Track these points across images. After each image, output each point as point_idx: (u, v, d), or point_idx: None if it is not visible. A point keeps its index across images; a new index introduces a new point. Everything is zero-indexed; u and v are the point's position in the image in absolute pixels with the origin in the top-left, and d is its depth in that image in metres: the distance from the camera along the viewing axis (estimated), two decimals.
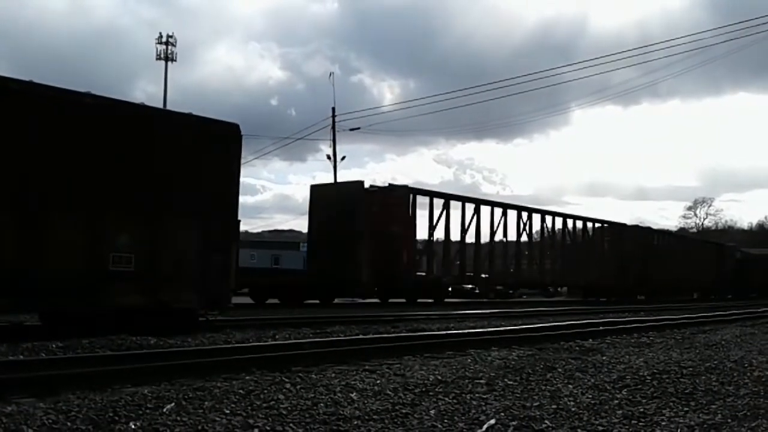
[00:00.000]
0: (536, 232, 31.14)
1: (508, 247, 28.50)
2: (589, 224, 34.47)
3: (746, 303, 32.92)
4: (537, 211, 30.51)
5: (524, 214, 29.26)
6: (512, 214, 28.47)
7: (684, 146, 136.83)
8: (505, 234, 28.02)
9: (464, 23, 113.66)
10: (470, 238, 26.61)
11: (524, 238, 29.65)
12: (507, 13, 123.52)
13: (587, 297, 34.27)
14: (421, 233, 24.81)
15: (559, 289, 37.34)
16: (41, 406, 4.83)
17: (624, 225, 38.02)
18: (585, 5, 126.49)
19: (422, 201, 24.57)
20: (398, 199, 23.53)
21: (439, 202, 25.25)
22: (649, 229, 42.22)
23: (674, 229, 77.54)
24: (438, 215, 25.07)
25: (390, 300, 24.06)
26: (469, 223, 26.30)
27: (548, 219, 31.03)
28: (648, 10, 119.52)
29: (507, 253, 28.57)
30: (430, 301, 24.43)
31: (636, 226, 39.97)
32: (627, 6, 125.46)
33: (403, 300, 23.96)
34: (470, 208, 26.50)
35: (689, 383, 6.90)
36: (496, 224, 27.47)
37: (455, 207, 25.83)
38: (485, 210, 27.21)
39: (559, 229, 31.96)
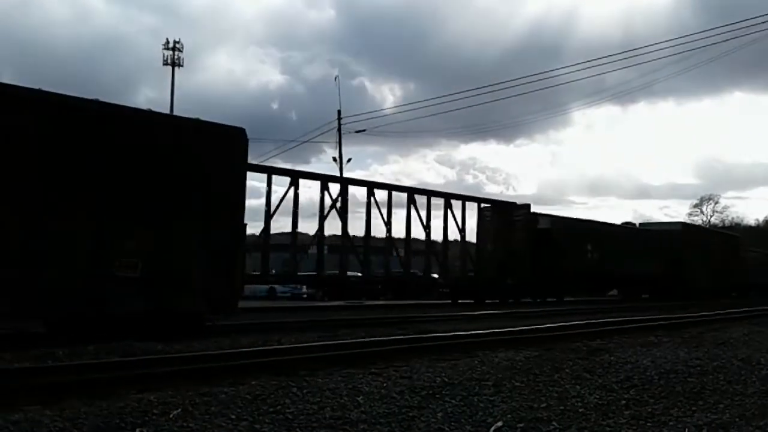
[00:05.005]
0: None
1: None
2: None
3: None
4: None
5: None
6: None
7: (684, 145, 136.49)
8: None
9: (460, 25, 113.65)
10: None
11: None
12: (503, 14, 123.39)
13: None
14: None
15: None
16: (47, 413, 4.82)
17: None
18: (578, 5, 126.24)
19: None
20: None
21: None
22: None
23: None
24: None
25: None
26: None
27: None
28: (635, 9, 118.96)
29: None
30: None
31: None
32: (618, 8, 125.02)
33: None
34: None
35: (697, 382, 6.87)
36: None
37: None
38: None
39: None
